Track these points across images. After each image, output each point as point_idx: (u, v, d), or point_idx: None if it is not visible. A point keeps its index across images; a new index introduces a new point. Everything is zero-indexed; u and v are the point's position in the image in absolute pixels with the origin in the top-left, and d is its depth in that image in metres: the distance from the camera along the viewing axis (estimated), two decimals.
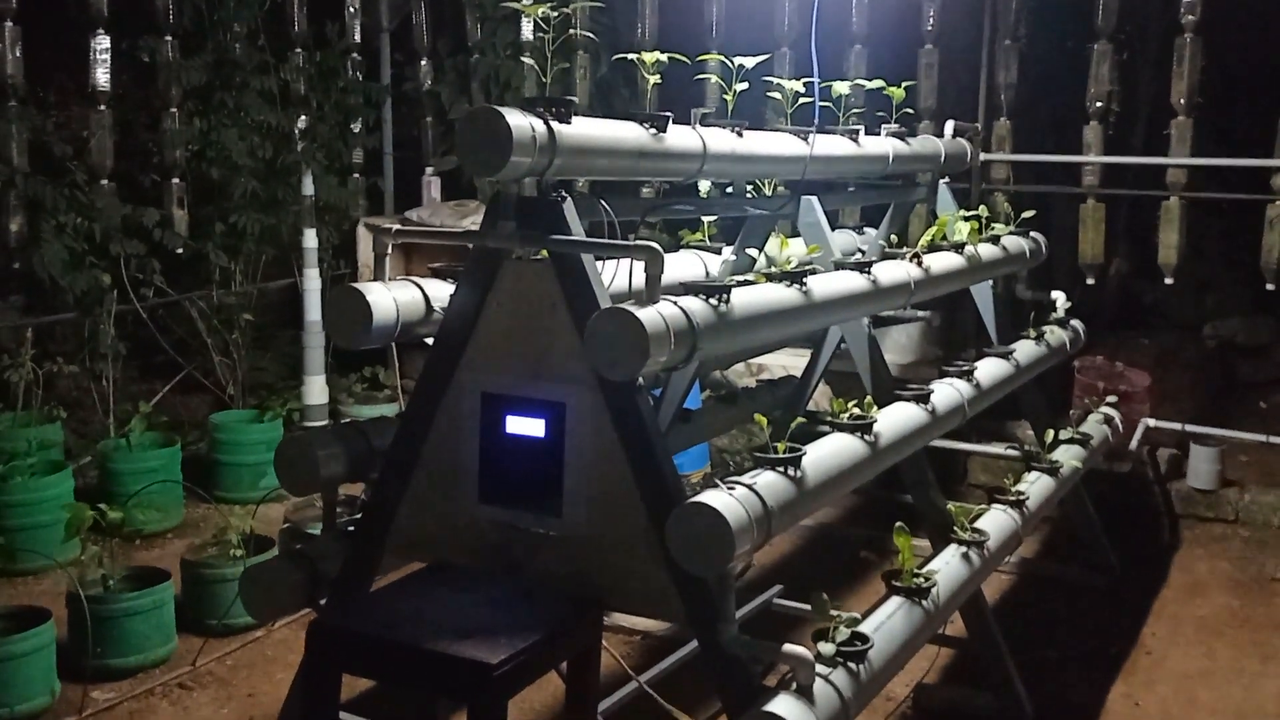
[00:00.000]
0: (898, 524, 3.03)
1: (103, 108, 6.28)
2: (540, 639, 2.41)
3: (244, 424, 6.03)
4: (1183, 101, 5.83)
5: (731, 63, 3.35)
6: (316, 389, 5.96)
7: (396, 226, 3.00)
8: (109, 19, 6.27)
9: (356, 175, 7.53)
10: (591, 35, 5.27)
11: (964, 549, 3.36)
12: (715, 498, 2.35)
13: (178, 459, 5.57)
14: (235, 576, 3.95)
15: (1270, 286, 5.83)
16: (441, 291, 2.89)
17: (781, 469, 2.57)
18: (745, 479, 2.48)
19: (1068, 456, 4.28)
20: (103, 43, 6.26)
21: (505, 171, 2.43)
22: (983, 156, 6.08)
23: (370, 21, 7.69)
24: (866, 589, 4.70)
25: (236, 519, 4.47)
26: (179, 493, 5.42)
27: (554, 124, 2.49)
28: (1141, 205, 6.98)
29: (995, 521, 3.59)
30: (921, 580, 3.04)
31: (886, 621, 2.85)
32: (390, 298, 2.79)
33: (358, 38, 7.59)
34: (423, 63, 7.75)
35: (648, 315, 2.35)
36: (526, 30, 7.01)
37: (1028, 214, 4.66)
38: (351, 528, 3.00)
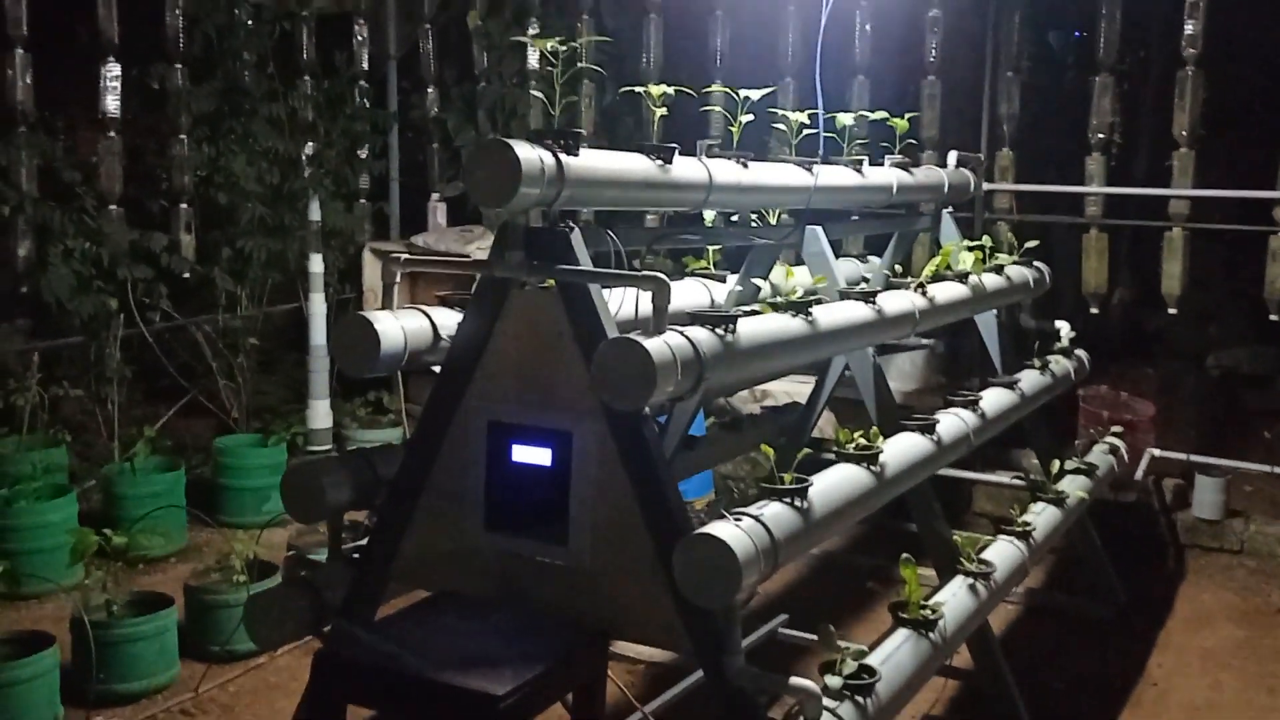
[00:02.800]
0: (904, 555, 3.03)
1: (112, 134, 6.32)
2: (546, 669, 2.41)
3: (248, 448, 6.03)
4: (1184, 133, 5.86)
5: (737, 94, 3.38)
6: (321, 413, 5.95)
7: (405, 255, 3.01)
8: (119, 47, 6.32)
9: (363, 201, 7.56)
10: (598, 68, 5.30)
11: (971, 580, 3.36)
12: (722, 529, 2.34)
13: (182, 483, 5.56)
14: (239, 602, 3.96)
15: (1274, 317, 5.83)
16: (449, 320, 2.90)
17: (788, 500, 2.56)
18: (752, 510, 2.47)
19: (1073, 487, 4.27)
20: (113, 70, 6.31)
21: (514, 203, 2.44)
22: (986, 186, 6.11)
23: (378, 50, 7.75)
24: (873, 618, 4.69)
25: (240, 544, 4.47)
26: (183, 517, 5.42)
27: (562, 156, 2.51)
28: (1144, 235, 7.00)
29: (1002, 553, 3.59)
30: (929, 612, 3.03)
31: (894, 654, 2.84)
32: (398, 326, 2.80)
33: (365, 66, 7.64)
34: (429, 90, 7.79)
35: (655, 346, 2.35)
36: (532, 59, 7.07)
37: (1031, 243, 4.68)
38: (356, 555, 2.99)
